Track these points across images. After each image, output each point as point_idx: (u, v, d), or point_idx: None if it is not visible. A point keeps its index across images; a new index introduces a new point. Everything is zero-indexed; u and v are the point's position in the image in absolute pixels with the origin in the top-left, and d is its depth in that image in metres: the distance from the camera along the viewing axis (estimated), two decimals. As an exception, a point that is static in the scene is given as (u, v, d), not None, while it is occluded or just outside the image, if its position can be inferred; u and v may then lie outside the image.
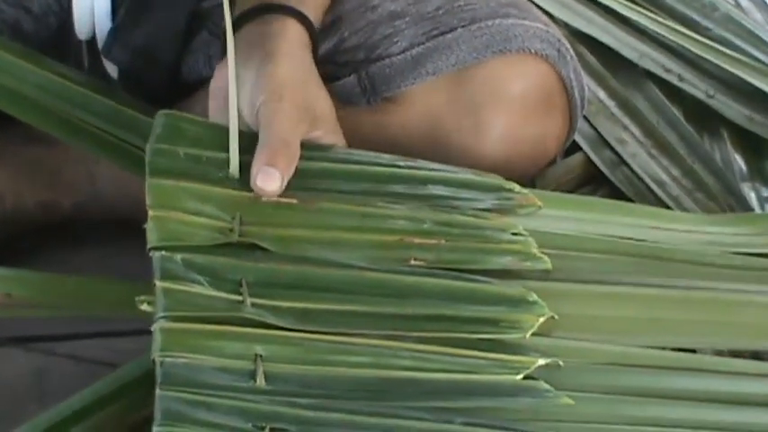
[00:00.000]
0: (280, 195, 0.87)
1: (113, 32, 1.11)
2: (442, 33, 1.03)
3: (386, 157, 0.93)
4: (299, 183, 0.88)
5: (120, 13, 1.11)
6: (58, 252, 1.14)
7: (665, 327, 0.85)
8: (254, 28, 0.98)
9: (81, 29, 1.12)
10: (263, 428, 0.74)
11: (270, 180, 0.86)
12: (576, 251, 0.90)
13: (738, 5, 1.41)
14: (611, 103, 1.28)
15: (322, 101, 0.95)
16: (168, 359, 0.75)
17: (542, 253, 0.87)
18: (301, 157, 0.89)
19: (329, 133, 0.93)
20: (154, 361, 0.76)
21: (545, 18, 1.08)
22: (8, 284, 0.93)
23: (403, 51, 1.03)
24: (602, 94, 1.29)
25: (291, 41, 0.97)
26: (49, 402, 0.87)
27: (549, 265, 0.86)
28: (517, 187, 0.92)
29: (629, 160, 1.22)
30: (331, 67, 1.04)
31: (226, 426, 0.73)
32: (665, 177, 1.21)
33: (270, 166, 0.87)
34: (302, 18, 0.99)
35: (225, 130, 0.89)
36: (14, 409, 0.99)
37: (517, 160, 1.02)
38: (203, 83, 1.07)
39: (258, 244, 0.84)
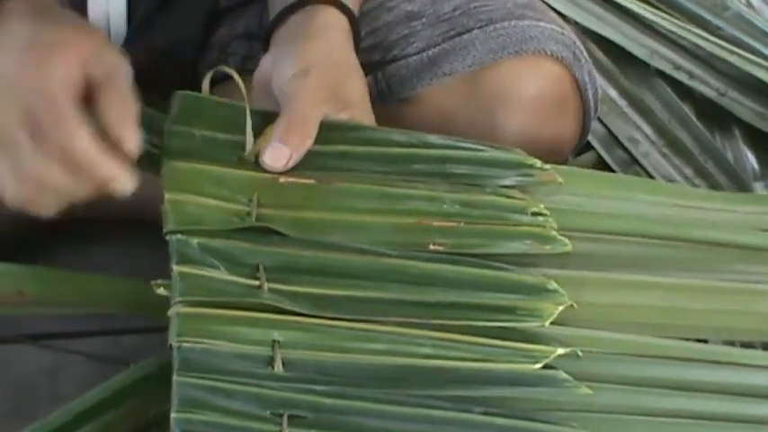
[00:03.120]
0: (298, 176, 0.87)
1: (132, 32, 1.11)
2: (459, 34, 1.03)
3: (407, 134, 0.92)
4: (317, 162, 0.88)
5: (137, 13, 1.11)
6: (70, 250, 1.14)
7: (685, 316, 0.85)
8: (298, 18, 0.98)
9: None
10: (280, 415, 0.73)
11: (279, 156, 0.87)
12: (599, 233, 0.89)
13: (750, 4, 1.41)
14: (622, 102, 1.29)
15: (355, 85, 0.95)
16: (185, 344, 0.75)
17: (563, 235, 0.86)
18: (322, 138, 0.88)
19: (359, 117, 0.93)
20: (171, 347, 0.75)
21: (560, 20, 1.08)
22: (20, 282, 0.93)
23: (419, 52, 1.03)
24: (613, 93, 1.29)
25: (330, 26, 0.97)
26: (62, 399, 0.86)
27: (569, 248, 0.86)
28: (538, 163, 0.91)
29: (642, 159, 1.23)
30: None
31: (244, 412, 0.73)
32: (677, 176, 1.22)
33: (281, 143, 0.87)
34: (344, 8, 0.99)
35: (242, 111, 0.89)
36: (28, 406, 0.99)
37: None
38: (220, 80, 1.08)
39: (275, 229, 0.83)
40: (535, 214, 0.88)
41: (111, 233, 1.14)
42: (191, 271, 0.79)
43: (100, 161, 0.81)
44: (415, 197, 0.87)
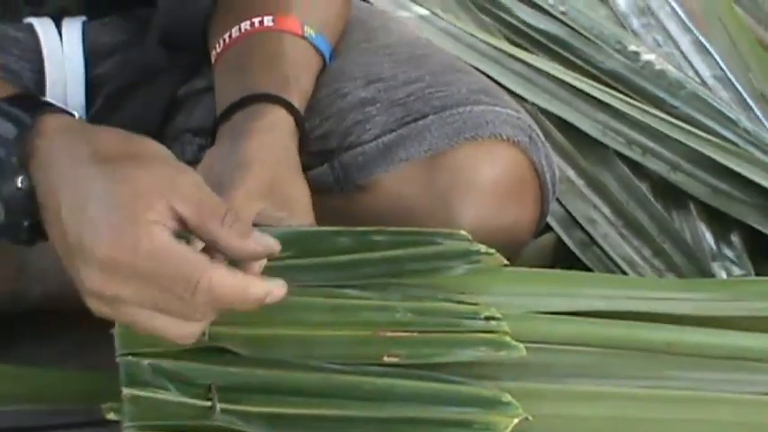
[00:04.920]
0: None
1: (90, 122, 1.11)
2: (414, 120, 1.03)
3: (351, 235, 0.91)
4: (268, 275, 0.86)
5: (96, 103, 1.11)
6: (27, 343, 1.12)
7: (641, 427, 0.84)
8: (243, 115, 0.99)
9: None
10: None
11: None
12: (553, 342, 0.89)
13: (704, 83, 1.42)
14: (580, 182, 1.29)
15: (296, 184, 0.95)
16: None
17: (517, 340, 0.86)
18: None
19: (296, 216, 0.93)
20: None
21: (515, 104, 1.09)
22: None
23: (375, 138, 1.03)
24: (571, 173, 1.30)
25: (275, 125, 0.98)
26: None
27: (523, 353, 0.85)
28: (483, 248, 0.91)
29: (600, 240, 1.23)
30: (303, 157, 1.03)
31: None
32: (636, 257, 1.22)
33: None
34: (289, 106, 1.00)
35: None
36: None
37: (490, 246, 1.02)
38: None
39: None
40: (488, 318, 0.87)
41: (66, 324, 1.13)
42: (141, 394, 0.78)
43: (247, 290, 0.77)
44: (367, 308, 0.86)
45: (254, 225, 0.90)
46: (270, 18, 1.05)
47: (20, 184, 0.81)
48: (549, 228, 1.26)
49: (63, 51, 1.11)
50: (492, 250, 0.91)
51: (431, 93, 1.05)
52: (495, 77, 1.40)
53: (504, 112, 1.04)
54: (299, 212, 0.94)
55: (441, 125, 1.02)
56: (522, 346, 0.85)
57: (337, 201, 1.05)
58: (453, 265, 0.90)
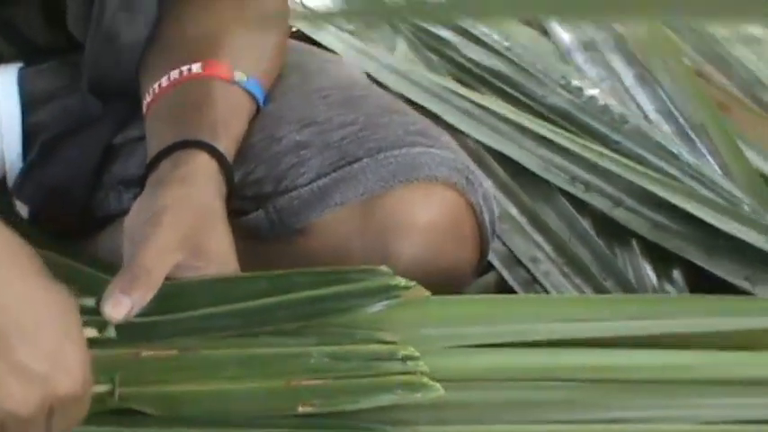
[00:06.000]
0: (159, 348, 0.85)
1: (25, 172, 1.10)
2: (349, 163, 1.02)
3: (270, 278, 0.91)
4: (180, 328, 0.87)
5: (32, 152, 1.10)
6: None
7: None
8: (167, 164, 0.98)
9: None
10: None
11: (118, 308, 0.85)
12: (474, 376, 0.89)
13: (647, 117, 1.42)
14: (522, 220, 1.28)
15: (215, 232, 0.94)
16: None
17: (435, 379, 0.85)
18: (184, 302, 0.87)
19: (214, 266, 0.92)
20: None
21: (454, 145, 1.08)
22: None
23: (310, 182, 1.02)
24: (514, 211, 1.29)
25: (196, 172, 0.97)
26: None
27: (440, 392, 0.85)
28: (403, 282, 0.90)
29: (542, 279, 1.22)
30: (237, 202, 1.03)
31: None
32: (590, 295, 1.21)
33: (122, 294, 0.86)
34: (213, 151, 0.99)
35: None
36: None
37: (427, 288, 1.01)
38: (113, 218, 1.07)
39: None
40: (405, 358, 0.86)
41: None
42: None
43: None
44: (282, 356, 0.86)
45: (169, 279, 0.90)
46: (198, 65, 1.04)
47: None
48: (491, 267, 1.25)
49: (-2, 99, 1.10)
50: (412, 283, 0.91)
51: (366, 135, 1.04)
52: (440, 115, 1.40)
53: (440, 153, 1.04)
54: (219, 262, 0.93)
55: (375, 168, 1.02)
56: (438, 386, 0.85)
57: (273, 246, 1.04)
58: (372, 302, 0.89)
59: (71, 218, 1.12)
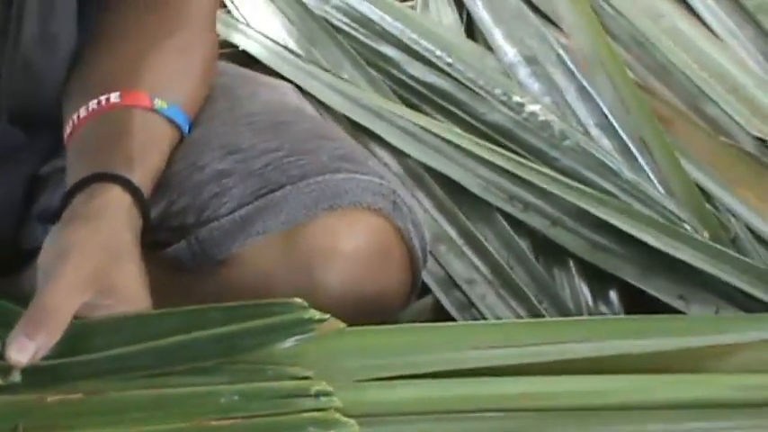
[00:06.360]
0: (65, 392, 0.83)
1: None
2: (271, 191, 1.00)
3: (184, 314, 0.89)
4: (88, 371, 0.85)
5: None
6: None
7: None
8: (80, 199, 0.96)
9: None
10: None
11: (23, 352, 0.84)
12: (391, 410, 0.87)
13: (587, 133, 1.40)
14: (460, 241, 1.26)
15: (125, 268, 0.92)
16: None
17: (349, 415, 0.83)
18: (92, 343, 0.85)
19: (124, 304, 0.90)
20: None
21: (380, 170, 1.06)
22: None
23: (231, 212, 1.00)
24: (452, 232, 1.27)
25: (107, 207, 0.95)
26: None
27: (355, 428, 0.83)
28: (317, 315, 0.88)
29: (478, 302, 1.20)
30: (161, 234, 1.01)
31: None
32: (513, 319, 1.18)
33: (26, 338, 0.84)
34: (127, 184, 0.96)
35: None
36: None
37: (357, 316, 0.98)
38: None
39: None
40: (318, 394, 0.85)
41: None
42: None
43: None
44: (190, 395, 0.84)
45: (77, 318, 0.88)
46: (117, 94, 1.02)
47: None
48: (428, 290, 1.23)
49: None
50: (326, 315, 0.89)
51: (289, 162, 1.02)
52: (382, 135, 1.38)
53: (364, 179, 1.02)
54: (129, 299, 0.91)
55: (298, 195, 1.00)
56: (352, 422, 0.83)
57: (197, 278, 1.01)
58: (285, 337, 0.88)
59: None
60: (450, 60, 1.50)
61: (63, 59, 1.08)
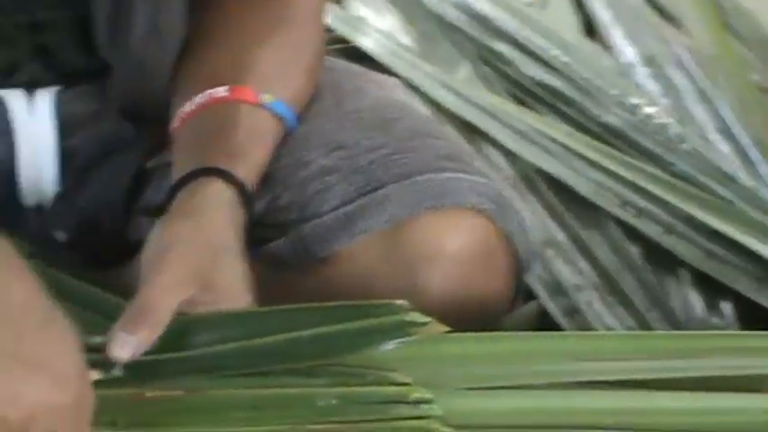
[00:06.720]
0: (164, 388, 0.83)
1: (58, 198, 1.09)
2: (374, 189, 0.99)
3: (283, 315, 0.88)
4: (187, 367, 0.85)
5: (66, 176, 1.10)
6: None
7: None
8: (183, 195, 0.96)
9: (28, 196, 1.09)
10: None
11: (123, 347, 0.84)
12: (491, 422, 0.84)
13: (705, 137, 1.37)
14: (569, 247, 1.24)
15: (226, 265, 0.91)
16: None
17: (450, 424, 0.81)
18: (191, 340, 0.85)
19: (226, 301, 0.89)
20: None
21: (486, 170, 1.05)
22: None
23: (334, 209, 0.99)
24: (560, 237, 1.25)
25: (209, 203, 0.95)
26: None
27: None
28: (420, 317, 0.86)
29: (584, 309, 1.18)
30: (263, 230, 1.00)
31: None
32: (619, 328, 1.16)
33: (127, 334, 0.84)
34: (231, 179, 0.96)
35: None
36: None
37: (458, 319, 0.96)
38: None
39: None
40: (417, 402, 0.82)
41: None
42: None
43: None
44: (288, 398, 0.83)
45: (180, 313, 0.88)
46: (224, 88, 1.02)
47: None
48: (533, 295, 1.21)
49: (34, 124, 1.10)
50: (428, 319, 0.86)
51: (394, 160, 1.01)
52: (493, 135, 1.37)
53: (470, 179, 1.00)
54: (230, 296, 0.90)
55: (401, 194, 0.98)
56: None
57: (297, 276, 1.01)
58: (386, 340, 0.86)
59: (106, 243, 1.12)
60: (566, 60, 1.48)
61: (171, 54, 1.08)
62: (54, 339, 0.78)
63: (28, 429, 0.76)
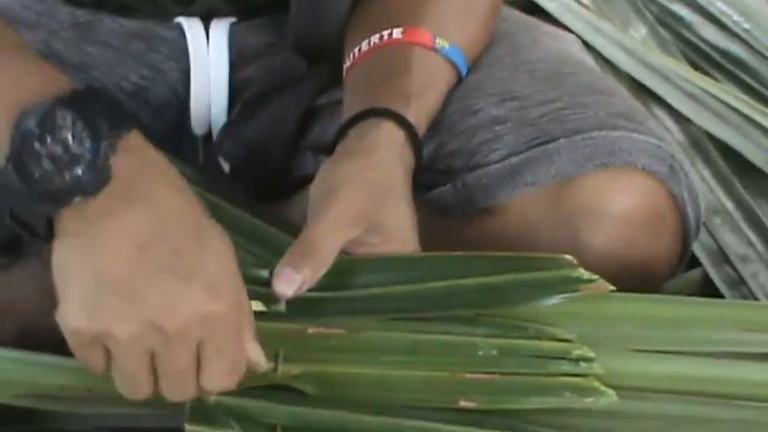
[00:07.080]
0: (326, 325, 0.84)
1: (226, 128, 1.10)
2: (544, 143, 0.97)
3: (447, 260, 0.87)
4: (349, 306, 0.85)
5: (235, 108, 1.11)
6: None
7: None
8: (355, 132, 0.96)
9: (198, 124, 1.12)
10: None
11: (288, 283, 0.84)
12: (653, 386, 0.82)
13: None
14: (737, 215, 1.20)
15: (394, 206, 0.91)
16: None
17: (608, 385, 0.80)
18: (355, 280, 0.86)
19: (392, 243, 0.89)
20: None
21: (660, 131, 1.01)
22: (89, 379, 0.90)
23: (501, 160, 0.98)
24: (729, 205, 1.22)
25: (380, 143, 0.94)
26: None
27: (614, 399, 0.80)
28: (586, 275, 0.85)
29: (749, 279, 1.14)
30: (427, 175, 0.99)
31: None
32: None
33: (293, 270, 0.84)
34: (402, 121, 0.96)
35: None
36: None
37: (620, 281, 0.93)
38: (311, 180, 1.06)
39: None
40: (578, 360, 0.81)
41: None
42: (204, 430, 0.77)
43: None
44: (448, 345, 0.83)
45: (345, 253, 0.88)
46: (399, 30, 1.01)
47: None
48: (698, 262, 1.18)
49: (209, 53, 1.11)
50: (595, 276, 0.85)
51: (566, 114, 0.99)
52: (665, 98, 1.34)
53: (642, 139, 0.97)
54: (397, 239, 0.90)
55: (571, 149, 0.96)
56: (611, 392, 0.80)
57: (458, 224, 1.00)
58: (550, 295, 0.85)
59: (270, 177, 1.13)
60: (747, 26, 1.43)
61: (349, -9, 1.08)
62: (209, 251, 0.78)
63: (184, 338, 0.77)
